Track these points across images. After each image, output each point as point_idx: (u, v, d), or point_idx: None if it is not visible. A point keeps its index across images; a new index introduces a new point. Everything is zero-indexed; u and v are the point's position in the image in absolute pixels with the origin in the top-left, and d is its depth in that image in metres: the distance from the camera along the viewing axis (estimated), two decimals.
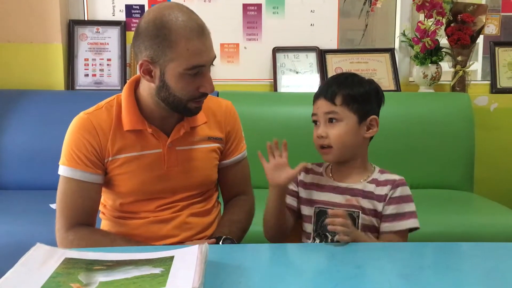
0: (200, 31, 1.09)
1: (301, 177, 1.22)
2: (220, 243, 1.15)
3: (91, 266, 0.87)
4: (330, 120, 1.14)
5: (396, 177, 1.17)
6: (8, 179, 2.20)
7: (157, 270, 0.85)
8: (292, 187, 1.22)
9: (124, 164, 1.17)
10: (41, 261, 0.87)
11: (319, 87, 1.19)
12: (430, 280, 0.86)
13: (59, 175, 1.17)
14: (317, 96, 1.17)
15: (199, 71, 1.10)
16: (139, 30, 1.11)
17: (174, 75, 1.10)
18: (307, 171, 1.23)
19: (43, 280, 0.81)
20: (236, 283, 0.84)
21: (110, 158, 1.16)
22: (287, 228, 1.21)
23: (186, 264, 0.86)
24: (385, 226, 1.14)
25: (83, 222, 1.15)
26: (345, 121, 1.13)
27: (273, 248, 1.07)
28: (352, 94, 1.14)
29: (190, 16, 1.10)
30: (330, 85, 1.16)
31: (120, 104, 1.19)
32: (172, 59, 1.08)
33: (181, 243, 1.20)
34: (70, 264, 0.88)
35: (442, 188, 2.28)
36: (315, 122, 1.18)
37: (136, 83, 1.22)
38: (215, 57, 1.14)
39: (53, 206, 1.91)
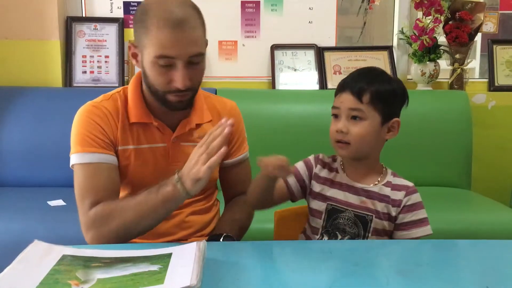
0: (176, 22, 1.04)
1: (317, 170, 1.19)
2: (221, 240, 1.15)
3: (89, 263, 0.87)
4: (354, 117, 1.10)
5: (409, 183, 1.16)
6: (6, 176, 2.20)
7: (155, 267, 0.85)
8: (303, 172, 1.19)
9: (130, 156, 1.17)
10: (39, 258, 0.87)
11: (345, 80, 1.13)
12: (427, 277, 0.86)
13: (71, 169, 1.13)
14: (341, 89, 1.12)
15: (171, 63, 1.07)
16: (134, 14, 1.15)
17: (148, 62, 1.09)
18: (323, 164, 1.19)
19: (41, 277, 0.80)
20: (234, 280, 0.84)
21: (119, 147, 1.16)
22: (271, 202, 1.19)
23: (184, 261, 0.86)
24: (403, 234, 1.12)
25: (105, 200, 1.10)
26: (369, 120, 1.10)
27: (271, 245, 1.07)
28: (380, 92, 1.09)
29: (175, 6, 1.06)
30: (357, 80, 1.11)
31: (126, 96, 1.19)
32: (146, 45, 1.07)
33: (178, 241, 1.20)
34: (68, 261, 0.88)
35: (440, 185, 2.29)
36: (335, 115, 1.13)
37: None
38: (197, 54, 1.08)
39: (51, 203, 1.92)
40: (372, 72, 1.14)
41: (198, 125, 1.23)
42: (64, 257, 0.89)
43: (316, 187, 1.18)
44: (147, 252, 0.93)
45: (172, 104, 1.13)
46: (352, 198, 1.14)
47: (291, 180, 1.19)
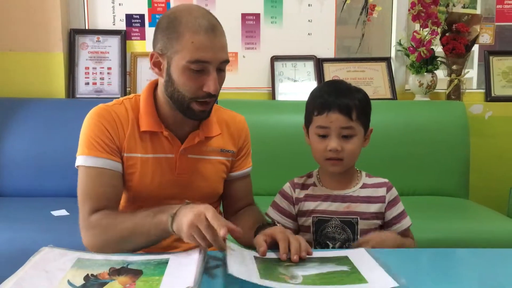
0: (210, 28, 1.08)
1: (296, 194, 1.22)
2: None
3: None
4: (344, 135, 1.13)
5: (384, 180, 1.22)
6: (10, 187, 2.21)
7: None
8: (289, 209, 1.22)
9: (136, 164, 1.17)
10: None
11: (323, 98, 1.14)
12: (426, 285, 0.88)
13: (76, 168, 1.15)
14: (327, 108, 1.12)
15: (204, 68, 1.09)
16: (157, 25, 1.14)
17: (178, 68, 1.09)
18: (300, 186, 1.23)
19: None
20: None
21: (124, 154, 1.16)
22: None
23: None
24: (396, 228, 1.19)
25: (105, 207, 1.12)
26: (358, 135, 1.15)
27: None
28: (363, 106, 1.14)
29: (204, 14, 1.11)
30: (340, 97, 1.13)
31: (138, 104, 1.20)
32: (177, 51, 1.08)
33: None
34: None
35: (438, 195, 2.30)
36: (322, 135, 1.15)
37: (156, 85, 1.21)
38: (226, 60, 1.12)
39: (54, 213, 1.93)
40: (342, 86, 1.17)
41: (207, 138, 1.23)
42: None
43: (300, 206, 1.21)
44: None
45: (195, 113, 1.14)
46: (335, 206, 1.18)
47: (287, 222, 1.22)
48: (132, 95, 1.23)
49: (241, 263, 0.90)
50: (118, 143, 1.15)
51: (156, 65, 1.14)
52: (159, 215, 1.04)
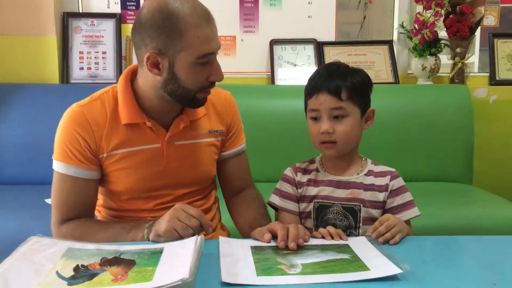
0: (207, 17, 1.06)
1: (298, 177, 1.19)
2: None
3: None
4: (336, 116, 1.10)
5: (391, 169, 1.19)
6: (3, 174, 2.19)
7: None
8: (293, 191, 1.19)
9: (121, 160, 1.13)
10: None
11: (315, 81, 1.13)
12: (431, 273, 0.86)
13: (53, 169, 1.13)
14: (316, 90, 1.11)
15: (209, 59, 1.07)
16: (141, 20, 1.05)
17: (185, 66, 1.05)
18: (302, 171, 1.20)
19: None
20: None
21: (105, 154, 1.12)
22: None
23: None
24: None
25: (78, 216, 1.12)
26: (351, 116, 1.11)
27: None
28: (355, 86, 1.11)
29: (194, 2, 1.07)
30: (329, 79, 1.10)
31: (115, 96, 1.14)
32: (183, 48, 1.04)
33: None
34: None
35: (442, 181, 2.28)
36: (314, 118, 1.13)
37: (132, 74, 1.16)
38: (220, 45, 1.11)
39: (48, 201, 1.90)
40: (339, 68, 1.15)
41: (193, 122, 1.20)
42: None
43: (303, 191, 1.19)
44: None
45: (199, 101, 1.13)
46: (338, 192, 1.15)
47: (292, 205, 1.19)
48: (109, 87, 1.17)
49: (235, 263, 0.87)
50: (94, 147, 1.11)
51: (154, 65, 1.07)
52: (134, 230, 1.04)
